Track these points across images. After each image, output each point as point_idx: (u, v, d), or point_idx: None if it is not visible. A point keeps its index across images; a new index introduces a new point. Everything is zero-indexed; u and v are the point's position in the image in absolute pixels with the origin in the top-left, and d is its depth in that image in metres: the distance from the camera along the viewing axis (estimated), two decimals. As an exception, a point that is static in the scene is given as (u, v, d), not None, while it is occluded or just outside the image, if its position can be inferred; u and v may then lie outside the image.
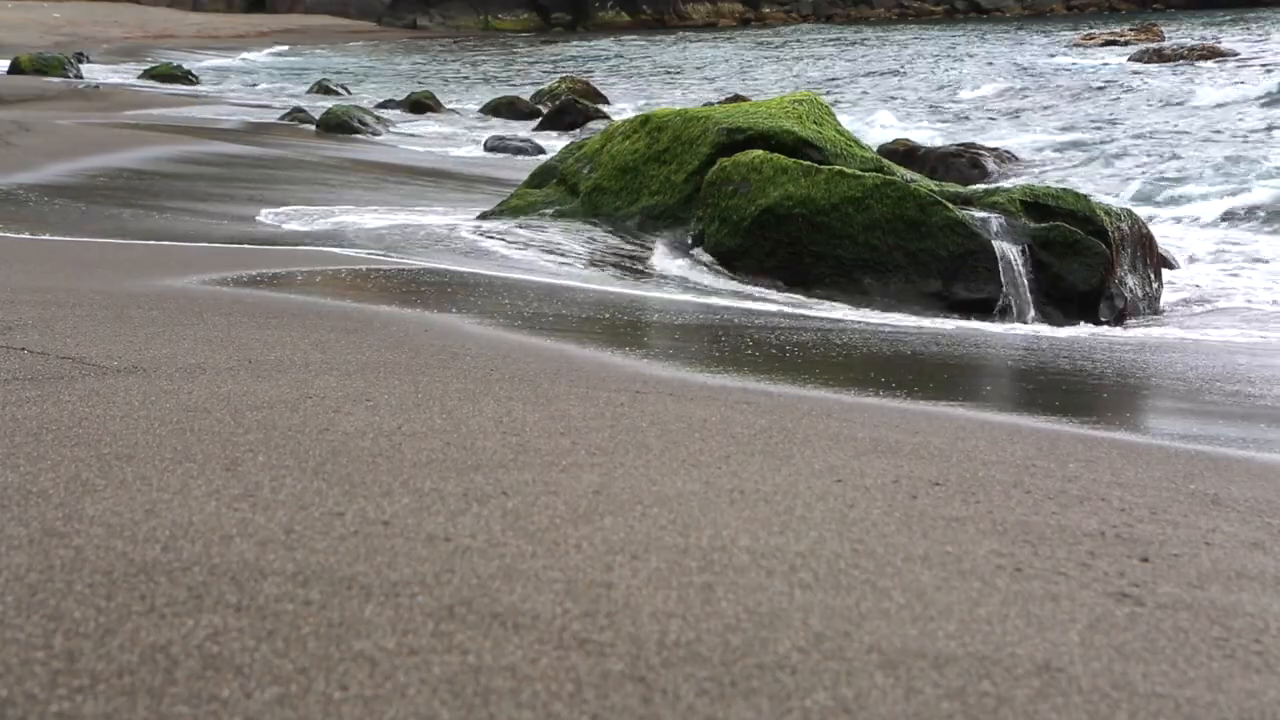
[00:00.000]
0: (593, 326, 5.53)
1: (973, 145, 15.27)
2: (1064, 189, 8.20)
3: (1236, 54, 27.90)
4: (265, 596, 2.08)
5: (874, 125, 18.54)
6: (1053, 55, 31.85)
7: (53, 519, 2.39)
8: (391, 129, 18.95)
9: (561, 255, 7.63)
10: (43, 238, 7.06)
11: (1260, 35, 36.87)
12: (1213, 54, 27.09)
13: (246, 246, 7.20)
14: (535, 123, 20.77)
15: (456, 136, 18.83)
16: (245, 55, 41.97)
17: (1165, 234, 9.66)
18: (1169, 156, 14.46)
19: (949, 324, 6.77)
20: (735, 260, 7.42)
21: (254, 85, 27.85)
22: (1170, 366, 5.80)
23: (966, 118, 19.88)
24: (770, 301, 6.92)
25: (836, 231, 7.30)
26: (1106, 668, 2.03)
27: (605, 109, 21.73)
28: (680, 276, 7.39)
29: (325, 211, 9.13)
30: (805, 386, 4.36)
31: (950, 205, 7.45)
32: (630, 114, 10.07)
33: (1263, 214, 10.75)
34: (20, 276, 5.46)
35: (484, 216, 8.71)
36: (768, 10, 67.88)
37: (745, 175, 7.54)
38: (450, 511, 2.55)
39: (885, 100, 23.25)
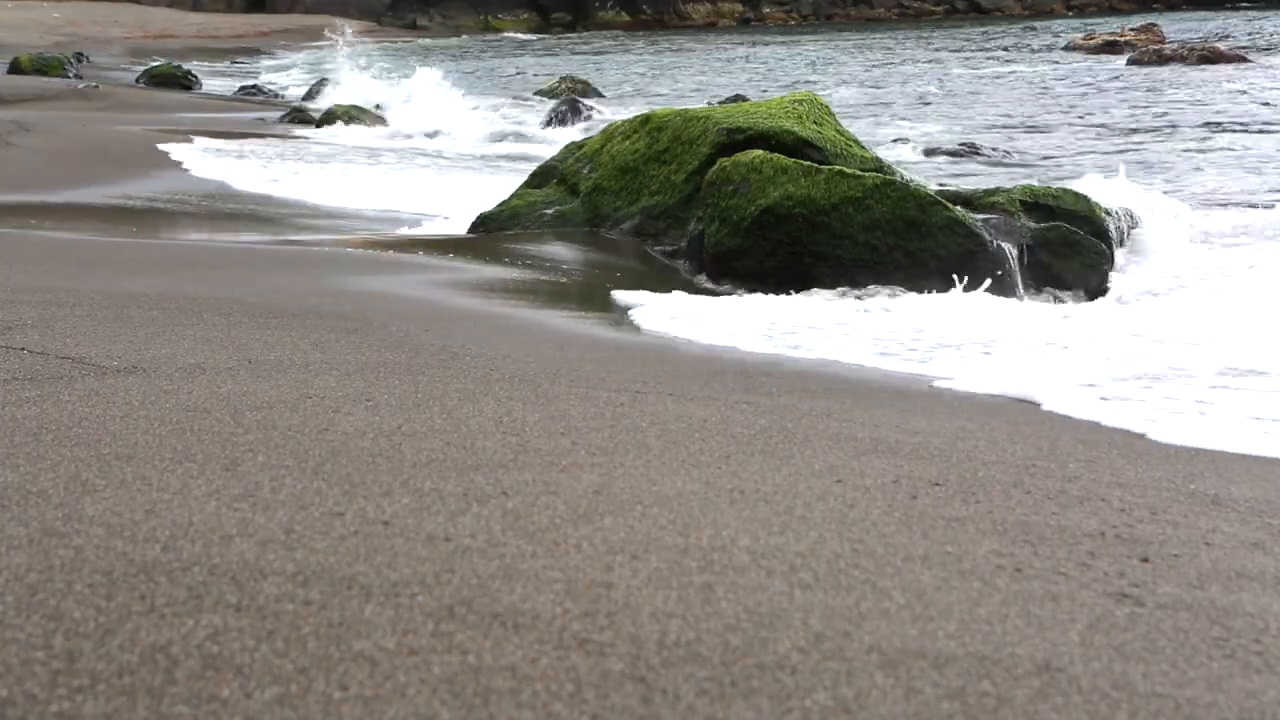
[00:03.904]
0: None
1: (973, 145, 15.27)
2: (1064, 189, 8.19)
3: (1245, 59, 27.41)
4: (265, 596, 2.08)
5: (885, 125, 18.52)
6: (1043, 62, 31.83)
7: (53, 519, 2.39)
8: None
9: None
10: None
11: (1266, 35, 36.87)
12: (1216, 57, 26.94)
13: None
14: (535, 122, 20.76)
15: (457, 136, 18.79)
16: (259, 61, 41.94)
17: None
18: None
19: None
20: (735, 260, 7.42)
21: (256, 86, 27.80)
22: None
23: (968, 119, 19.88)
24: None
25: (836, 231, 7.30)
26: (1106, 668, 2.03)
27: (605, 109, 21.72)
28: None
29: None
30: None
31: (950, 205, 7.45)
32: (630, 114, 10.05)
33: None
34: (20, 276, 5.47)
35: (483, 220, 8.70)
36: (768, 10, 67.88)
37: (745, 175, 7.53)
38: (450, 511, 2.55)
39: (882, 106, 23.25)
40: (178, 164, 11.91)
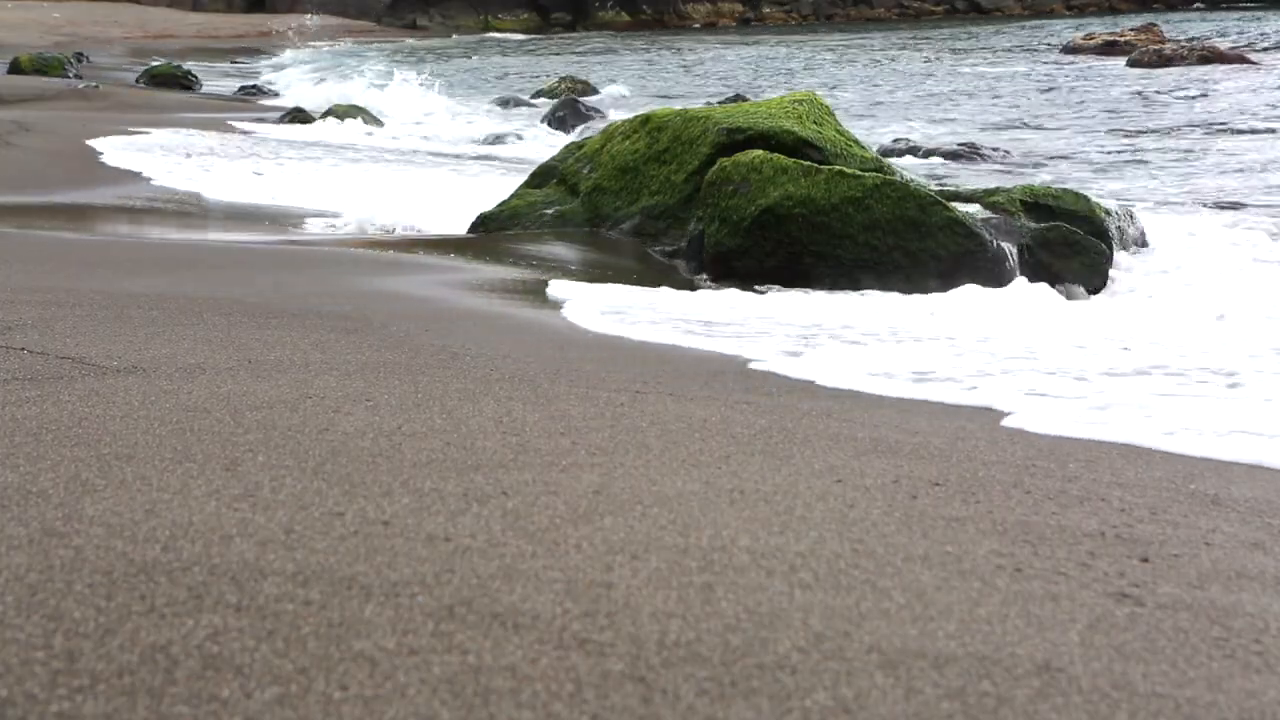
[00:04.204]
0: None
1: (973, 145, 15.27)
2: (1064, 189, 8.20)
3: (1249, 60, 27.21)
4: (265, 596, 2.08)
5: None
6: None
7: (53, 519, 2.39)
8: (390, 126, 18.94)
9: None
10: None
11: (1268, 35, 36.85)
12: (1217, 57, 26.85)
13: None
14: (535, 122, 20.77)
15: (457, 135, 18.80)
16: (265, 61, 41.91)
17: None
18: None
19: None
20: (735, 260, 7.42)
21: (256, 87, 27.77)
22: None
23: (970, 120, 19.88)
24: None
25: (836, 231, 7.30)
26: (1106, 668, 2.03)
27: (605, 109, 21.72)
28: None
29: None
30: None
31: (950, 205, 7.45)
32: (630, 114, 10.06)
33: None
34: (20, 276, 5.47)
35: (483, 220, 8.70)
36: (768, 10, 67.88)
37: (745, 175, 7.53)
38: (450, 511, 2.56)
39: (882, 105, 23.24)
40: (99, 155, 11.86)
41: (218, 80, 30.48)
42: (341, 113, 18.69)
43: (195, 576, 2.15)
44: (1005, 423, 3.89)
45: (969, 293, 6.86)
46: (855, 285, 7.19)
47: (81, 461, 2.77)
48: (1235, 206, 10.95)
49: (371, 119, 18.93)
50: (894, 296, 6.94)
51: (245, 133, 15.90)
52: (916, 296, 6.89)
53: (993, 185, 8.84)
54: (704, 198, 7.75)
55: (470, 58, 42.34)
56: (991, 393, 4.29)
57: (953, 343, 5.36)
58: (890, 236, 7.29)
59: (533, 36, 59.11)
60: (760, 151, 7.69)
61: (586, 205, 8.47)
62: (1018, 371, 4.69)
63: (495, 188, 9.19)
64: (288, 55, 43.00)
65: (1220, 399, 4.38)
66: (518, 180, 9.38)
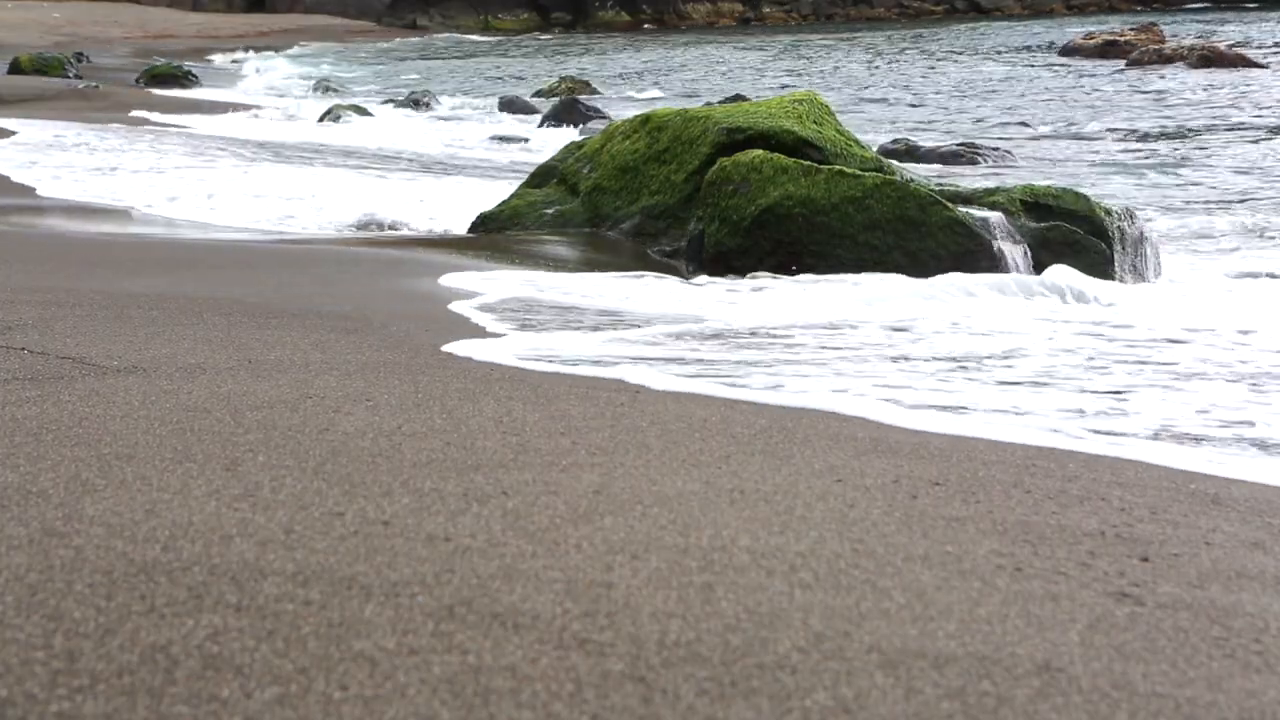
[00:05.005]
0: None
1: (973, 145, 15.26)
2: (1064, 188, 8.19)
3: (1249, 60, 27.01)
4: (265, 596, 2.08)
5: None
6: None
7: (53, 519, 2.39)
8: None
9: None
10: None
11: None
12: (1217, 58, 26.77)
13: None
14: (535, 122, 20.78)
15: (456, 135, 18.79)
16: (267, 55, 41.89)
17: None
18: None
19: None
20: (735, 260, 7.42)
21: (252, 86, 27.80)
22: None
23: (976, 121, 19.88)
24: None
25: (836, 231, 7.30)
26: (1106, 668, 2.03)
27: (605, 109, 21.73)
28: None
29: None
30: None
31: (950, 205, 7.45)
32: (630, 114, 10.06)
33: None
34: (20, 276, 5.47)
35: (483, 219, 8.70)
36: (768, 10, 67.85)
37: (745, 175, 7.53)
38: (450, 511, 2.55)
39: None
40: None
41: (219, 80, 30.46)
42: (340, 111, 18.68)
43: (195, 576, 2.15)
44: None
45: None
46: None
47: (81, 461, 2.77)
48: (1234, 206, 10.95)
49: (369, 117, 18.93)
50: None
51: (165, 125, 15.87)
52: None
53: (993, 185, 8.84)
54: (704, 197, 7.75)
55: (451, 59, 42.27)
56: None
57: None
58: (890, 236, 7.29)
59: (533, 35, 59.14)
60: (760, 151, 7.68)
61: (586, 205, 8.47)
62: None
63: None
64: (291, 53, 42.95)
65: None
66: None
